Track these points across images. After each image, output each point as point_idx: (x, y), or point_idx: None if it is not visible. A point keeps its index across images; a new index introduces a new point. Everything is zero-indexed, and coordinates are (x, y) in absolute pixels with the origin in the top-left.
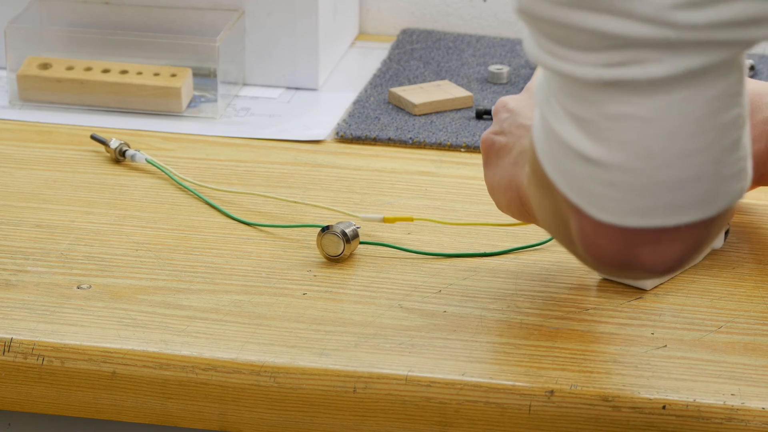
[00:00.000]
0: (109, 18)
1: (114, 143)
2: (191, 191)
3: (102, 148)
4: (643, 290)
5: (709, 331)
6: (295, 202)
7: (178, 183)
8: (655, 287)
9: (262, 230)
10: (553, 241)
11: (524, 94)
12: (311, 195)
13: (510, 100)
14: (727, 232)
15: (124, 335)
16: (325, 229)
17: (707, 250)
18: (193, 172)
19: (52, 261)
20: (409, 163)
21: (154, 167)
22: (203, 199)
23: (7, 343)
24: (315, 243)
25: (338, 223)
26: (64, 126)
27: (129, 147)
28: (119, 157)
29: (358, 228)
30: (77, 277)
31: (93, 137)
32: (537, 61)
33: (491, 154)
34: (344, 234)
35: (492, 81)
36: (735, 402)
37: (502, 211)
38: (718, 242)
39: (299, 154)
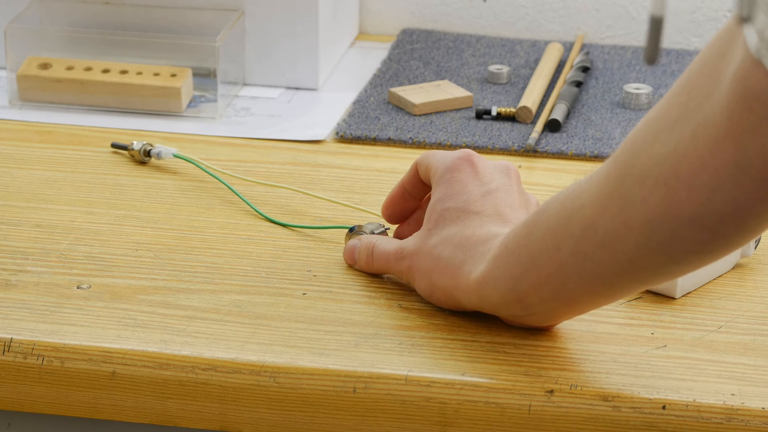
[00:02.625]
0: (109, 18)
1: (137, 145)
2: (223, 183)
3: (104, 149)
4: (671, 297)
5: (709, 331)
6: (335, 202)
7: (210, 174)
8: (684, 295)
9: (262, 230)
10: None
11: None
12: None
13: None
14: (758, 241)
15: (124, 335)
16: (353, 230)
17: (734, 259)
18: (193, 172)
19: (52, 261)
20: (409, 163)
21: (156, 166)
22: (234, 191)
23: (7, 343)
24: (314, 245)
25: (368, 223)
26: (64, 126)
27: (152, 146)
28: (144, 158)
29: (387, 229)
30: (77, 277)
31: (114, 145)
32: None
33: (447, 217)
34: (372, 235)
35: (492, 81)
36: (735, 402)
37: (422, 291)
38: (749, 250)
39: (299, 154)
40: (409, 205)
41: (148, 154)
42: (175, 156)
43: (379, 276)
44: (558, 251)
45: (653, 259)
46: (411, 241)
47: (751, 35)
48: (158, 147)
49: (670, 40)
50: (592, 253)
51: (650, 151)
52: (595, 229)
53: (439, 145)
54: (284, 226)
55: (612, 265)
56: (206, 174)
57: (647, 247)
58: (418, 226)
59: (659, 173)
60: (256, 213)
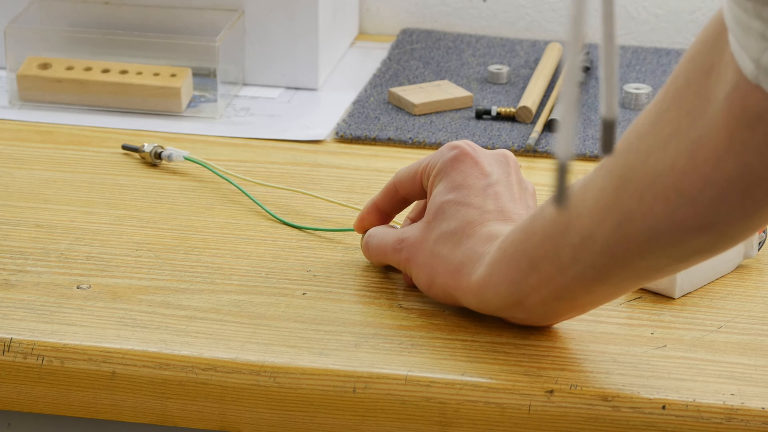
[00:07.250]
0: (109, 18)
1: (148, 147)
2: (236, 186)
3: (104, 149)
4: (671, 297)
5: (708, 331)
6: (335, 202)
7: (223, 178)
8: (683, 295)
9: (261, 230)
10: None
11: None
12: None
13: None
14: (761, 243)
15: (123, 335)
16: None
17: (737, 260)
18: (193, 172)
19: (51, 261)
20: (408, 163)
21: (158, 166)
22: (247, 195)
23: (7, 343)
24: (314, 245)
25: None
26: (64, 126)
27: (163, 148)
28: (155, 160)
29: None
30: (77, 277)
31: (125, 147)
32: None
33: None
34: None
35: (492, 81)
36: (734, 402)
37: (420, 285)
38: (752, 251)
39: (299, 154)
40: (384, 221)
41: (159, 156)
42: (186, 159)
43: (379, 276)
44: (558, 257)
45: (657, 260)
46: (410, 232)
47: (744, 61)
48: (169, 149)
49: (670, 40)
50: (593, 260)
51: (645, 167)
52: (594, 239)
53: (439, 145)
54: (306, 230)
55: (613, 268)
56: (206, 174)
57: (651, 252)
58: None
59: (658, 189)
60: (260, 213)
